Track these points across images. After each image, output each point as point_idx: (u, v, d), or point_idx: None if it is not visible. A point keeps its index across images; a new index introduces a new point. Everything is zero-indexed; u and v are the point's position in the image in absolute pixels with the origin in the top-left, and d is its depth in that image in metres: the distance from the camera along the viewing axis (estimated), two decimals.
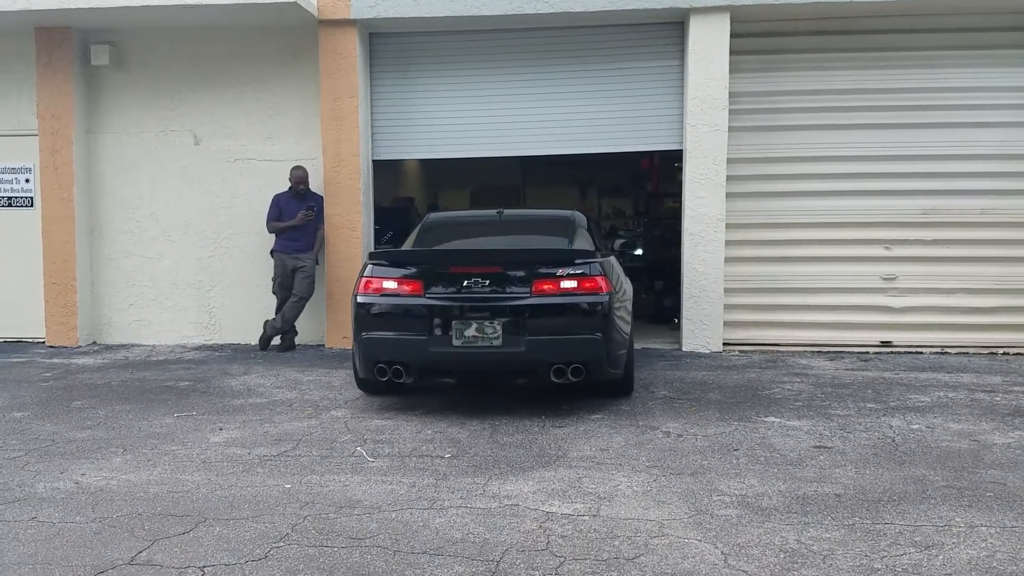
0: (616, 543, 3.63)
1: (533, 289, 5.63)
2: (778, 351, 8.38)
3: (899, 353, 8.24)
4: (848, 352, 8.27)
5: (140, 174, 9.14)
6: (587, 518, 3.92)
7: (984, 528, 3.77)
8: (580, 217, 6.99)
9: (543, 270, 5.69)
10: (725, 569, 3.36)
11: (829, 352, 8.30)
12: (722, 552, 3.53)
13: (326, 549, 3.60)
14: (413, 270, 5.81)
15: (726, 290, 8.37)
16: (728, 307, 8.43)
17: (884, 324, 8.50)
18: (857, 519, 3.89)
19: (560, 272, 5.68)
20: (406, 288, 5.74)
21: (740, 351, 8.38)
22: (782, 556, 3.48)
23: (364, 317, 5.79)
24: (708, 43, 8.22)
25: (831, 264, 8.53)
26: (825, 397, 6.37)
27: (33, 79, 9.00)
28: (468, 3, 8.29)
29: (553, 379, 5.61)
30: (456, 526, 3.84)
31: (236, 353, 8.55)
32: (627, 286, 6.54)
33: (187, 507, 4.14)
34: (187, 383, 7.14)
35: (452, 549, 3.58)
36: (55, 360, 8.25)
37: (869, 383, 6.86)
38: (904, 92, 8.39)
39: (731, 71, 8.26)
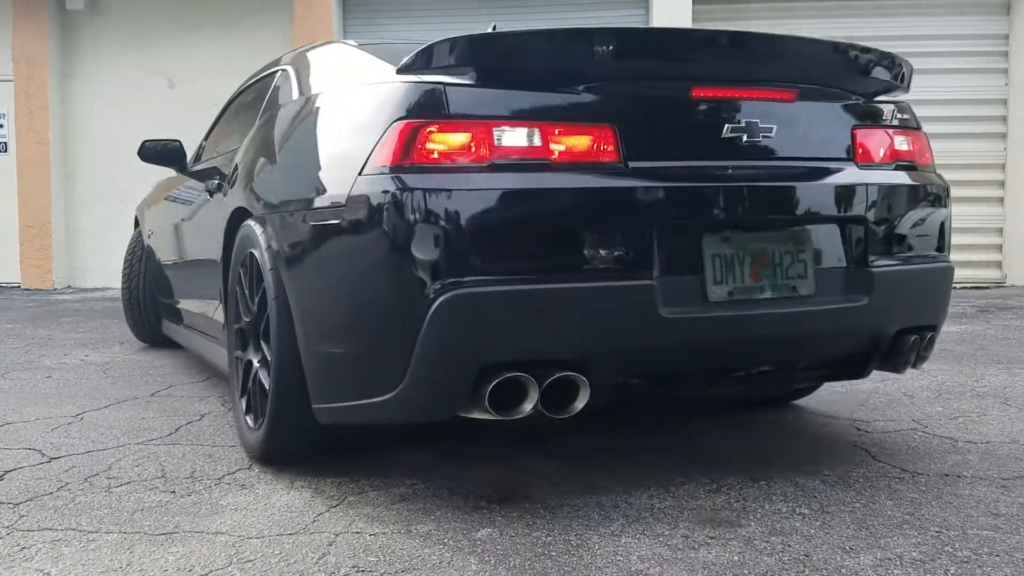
0: None
1: (857, 153, 2.48)
2: None
3: None
4: None
5: (114, 118, 9.21)
6: None
7: None
8: None
9: (864, 109, 2.57)
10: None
11: None
12: None
13: None
14: (591, 98, 2.18)
15: None
16: None
17: None
18: None
19: (889, 115, 2.62)
20: (574, 146, 2.13)
21: None
22: None
23: (434, 240, 2.01)
24: None
25: None
26: None
27: (9, 26, 9.04)
28: None
29: (894, 367, 2.57)
30: None
31: None
32: None
33: (199, 369, 4.32)
34: None
35: None
36: (34, 297, 8.31)
37: None
38: (861, 40, 8.78)
39: (694, 21, 8.62)
